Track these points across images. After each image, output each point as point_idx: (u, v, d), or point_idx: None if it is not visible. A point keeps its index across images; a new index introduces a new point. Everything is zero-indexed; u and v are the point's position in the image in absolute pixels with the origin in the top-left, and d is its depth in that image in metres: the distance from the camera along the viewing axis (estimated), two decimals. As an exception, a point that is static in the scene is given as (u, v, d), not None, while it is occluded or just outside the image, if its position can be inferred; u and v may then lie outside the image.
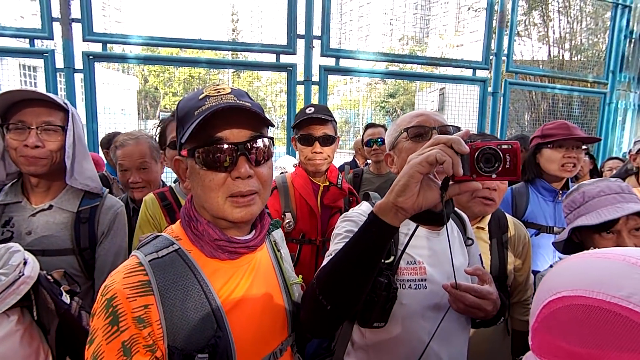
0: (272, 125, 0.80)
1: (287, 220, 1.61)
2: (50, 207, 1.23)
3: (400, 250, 0.93)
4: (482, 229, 1.42)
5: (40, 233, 1.19)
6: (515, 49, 8.08)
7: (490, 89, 4.11)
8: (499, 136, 4.30)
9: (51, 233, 1.19)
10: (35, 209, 1.21)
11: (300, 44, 3.33)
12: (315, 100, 3.57)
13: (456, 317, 0.97)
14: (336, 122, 1.70)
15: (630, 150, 2.23)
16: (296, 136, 1.68)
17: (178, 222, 0.82)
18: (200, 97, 0.74)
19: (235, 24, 38.58)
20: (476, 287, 0.89)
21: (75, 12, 2.70)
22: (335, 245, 0.95)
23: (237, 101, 0.73)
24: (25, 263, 0.88)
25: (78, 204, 1.27)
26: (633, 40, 5.01)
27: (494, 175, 0.67)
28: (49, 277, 0.98)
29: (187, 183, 0.79)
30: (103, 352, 0.65)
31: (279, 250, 0.92)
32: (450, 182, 0.69)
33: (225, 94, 0.74)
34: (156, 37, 3.24)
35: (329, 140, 1.65)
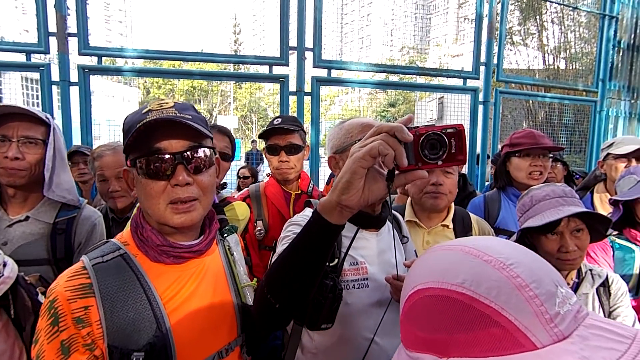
0: (211, 137, 0.86)
1: (258, 228, 1.68)
2: (27, 218, 1.25)
3: (343, 253, 0.99)
4: (447, 226, 1.48)
5: (16, 244, 1.21)
6: (511, 58, 8.20)
7: (481, 98, 4.17)
8: (491, 146, 4.36)
9: (27, 243, 1.23)
10: (12, 220, 1.24)
11: (293, 55, 3.43)
12: (308, 111, 3.65)
13: (398, 309, 1.02)
14: (305, 132, 1.77)
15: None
16: (265, 146, 1.75)
17: (129, 228, 0.87)
18: (144, 111, 0.80)
19: (237, 35, 39.12)
20: None
21: (74, 26, 2.79)
22: (282, 247, 0.98)
23: (178, 114, 0.79)
24: (4, 265, 0.94)
25: (55, 215, 1.30)
26: (621, 49, 5.10)
27: (440, 162, 0.63)
28: (26, 278, 1.04)
29: (134, 192, 0.84)
30: (44, 352, 0.70)
31: (232, 255, 0.97)
32: (396, 172, 0.66)
33: (167, 108, 0.80)
34: (151, 50, 3.34)
35: (295, 150, 1.72)
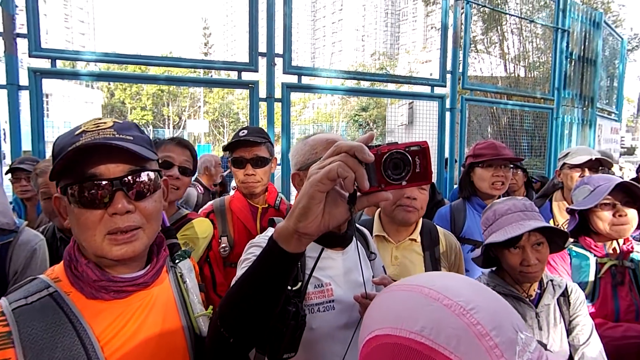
0: (156, 159, 0.80)
1: (223, 245, 1.61)
2: None
3: (307, 275, 0.94)
4: (415, 240, 1.48)
5: None
6: (475, 66, 8.52)
7: (448, 105, 4.28)
8: (458, 150, 4.48)
9: None
10: None
11: (263, 61, 3.38)
12: (278, 117, 3.61)
13: None
14: (272, 144, 1.73)
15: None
16: (230, 158, 1.70)
17: (62, 262, 0.78)
18: (77, 132, 0.73)
19: (207, 37, 38.34)
20: None
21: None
22: (242, 271, 0.93)
23: (117, 135, 0.72)
24: None
25: None
26: (573, 60, 5.41)
27: (404, 183, 0.58)
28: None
29: (67, 222, 0.76)
30: None
31: (184, 282, 0.90)
32: (358, 194, 0.61)
33: (104, 129, 0.73)
34: (112, 54, 3.20)
35: (261, 162, 1.67)
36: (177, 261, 0.93)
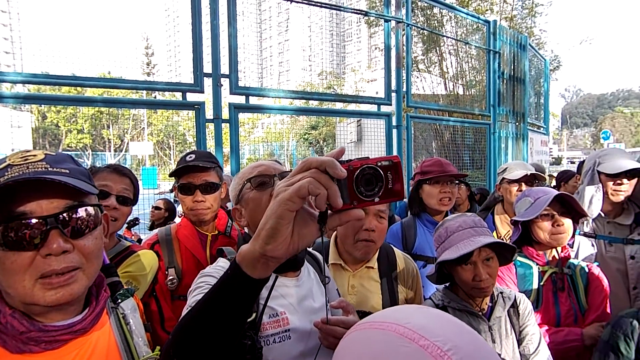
0: (95, 193, 0.73)
1: (170, 277, 1.50)
2: None
3: (262, 305, 0.90)
4: (372, 268, 1.46)
5: None
6: (418, 84, 9.00)
7: (394, 123, 4.44)
8: (405, 166, 4.64)
9: None
10: None
11: (210, 82, 3.29)
12: (226, 138, 3.51)
13: (327, 354, 0.98)
14: (221, 168, 1.66)
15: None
16: (176, 185, 1.60)
17: None
18: (1, 166, 0.65)
19: (149, 57, 36.94)
20: (343, 319, 0.92)
21: None
22: (194, 299, 0.88)
23: (50, 169, 0.66)
24: None
25: None
26: (505, 80, 5.91)
27: (376, 199, 0.56)
28: None
29: None
30: None
31: (127, 324, 0.82)
32: (329, 212, 0.57)
33: (34, 162, 0.66)
34: (41, 75, 2.93)
35: (211, 188, 1.60)
36: (119, 301, 0.85)
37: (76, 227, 0.66)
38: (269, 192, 1.04)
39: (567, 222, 1.55)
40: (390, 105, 4.43)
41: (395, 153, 4.46)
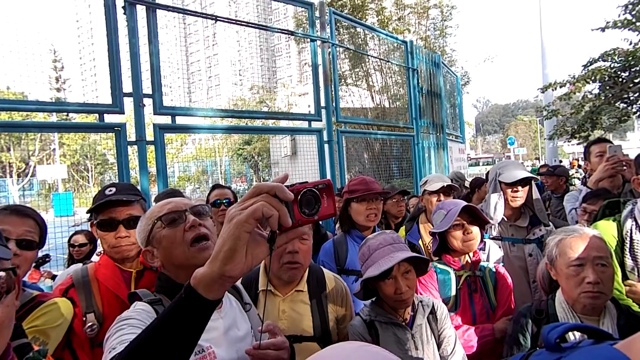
0: (7, 258, 0.66)
1: (89, 324, 1.37)
2: None
3: None
4: (302, 291, 1.50)
5: None
6: (347, 98, 9.37)
7: (325, 138, 4.57)
8: (339, 178, 4.79)
9: None
10: None
11: (131, 101, 3.11)
12: (152, 159, 3.34)
13: None
14: (145, 200, 1.59)
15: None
16: (95, 221, 1.49)
17: None
18: None
19: (59, 71, 33.28)
20: (273, 341, 0.96)
21: None
22: (115, 341, 0.84)
23: None
24: None
25: None
26: (424, 94, 6.44)
27: (316, 217, 0.65)
28: None
29: None
30: None
31: None
32: (277, 232, 0.64)
33: None
34: None
35: (135, 222, 1.50)
36: None
37: None
38: (182, 227, 1.03)
39: (475, 230, 1.74)
40: (321, 121, 4.56)
41: (327, 167, 4.58)
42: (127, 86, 3.04)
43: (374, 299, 1.48)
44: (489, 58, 16.16)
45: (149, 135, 3.15)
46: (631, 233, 1.60)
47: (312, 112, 4.46)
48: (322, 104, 4.52)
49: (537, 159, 39.69)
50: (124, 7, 2.88)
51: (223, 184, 2.91)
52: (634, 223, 1.61)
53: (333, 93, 4.78)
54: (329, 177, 4.60)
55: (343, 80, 9.66)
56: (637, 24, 8.22)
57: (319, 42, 4.53)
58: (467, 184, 5.28)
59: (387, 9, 12.73)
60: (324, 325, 1.44)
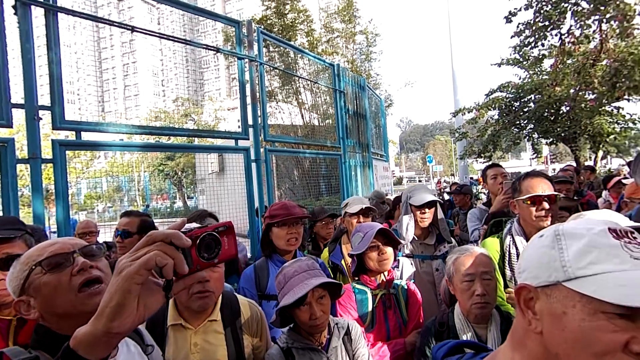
0: None
1: None
2: None
3: None
4: (215, 320, 1.43)
5: None
6: (277, 115, 9.37)
7: (253, 156, 4.49)
8: (266, 197, 4.72)
9: None
10: None
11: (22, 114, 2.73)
12: (50, 181, 2.96)
13: None
14: (30, 234, 1.39)
15: None
16: None
17: None
18: None
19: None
20: None
21: None
22: None
23: None
24: None
25: None
26: (350, 115, 6.73)
27: (216, 260, 0.65)
28: None
29: None
30: None
31: None
32: (174, 279, 0.61)
33: None
34: None
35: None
36: None
37: None
38: (68, 271, 0.91)
39: (389, 250, 1.84)
40: (248, 139, 4.47)
41: (255, 185, 4.49)
42: (19, 96, 2.69)
43: (291, 326, 1.46)
44: (409, 83, 17.52)
45: (47, 152, 2.79)
46: (509, 248, 1.83)
47: (240, 129, 4.37)
48: (250, 122, 4.45)
49: (452, 175, 43.83)
50: (14, 7, 2.55)
51: (136, 211, 2.68)
52: (511, 239, 1.84)
53: (261, 111, 4.74)
54: (256, 195, 4.51)
55: (273, 96, 9.72)
56: (524, 62, 9.69)
57: (246, 60, 4.48)
58: (390, 200, 5.56)
59: (315, 31, 13.20)
60: (239, 354, 1.38)
